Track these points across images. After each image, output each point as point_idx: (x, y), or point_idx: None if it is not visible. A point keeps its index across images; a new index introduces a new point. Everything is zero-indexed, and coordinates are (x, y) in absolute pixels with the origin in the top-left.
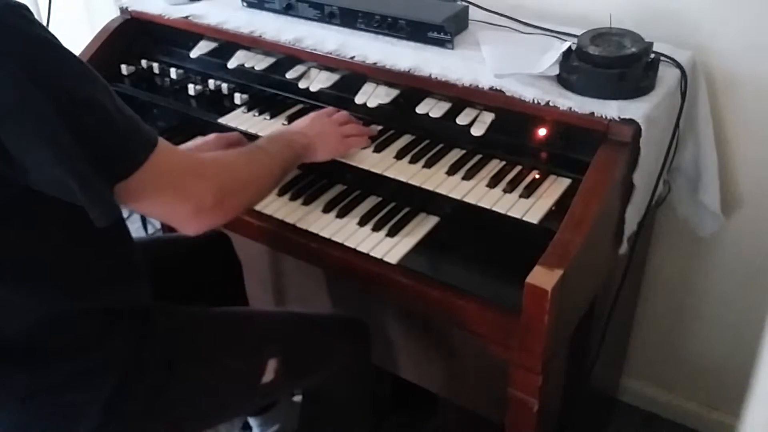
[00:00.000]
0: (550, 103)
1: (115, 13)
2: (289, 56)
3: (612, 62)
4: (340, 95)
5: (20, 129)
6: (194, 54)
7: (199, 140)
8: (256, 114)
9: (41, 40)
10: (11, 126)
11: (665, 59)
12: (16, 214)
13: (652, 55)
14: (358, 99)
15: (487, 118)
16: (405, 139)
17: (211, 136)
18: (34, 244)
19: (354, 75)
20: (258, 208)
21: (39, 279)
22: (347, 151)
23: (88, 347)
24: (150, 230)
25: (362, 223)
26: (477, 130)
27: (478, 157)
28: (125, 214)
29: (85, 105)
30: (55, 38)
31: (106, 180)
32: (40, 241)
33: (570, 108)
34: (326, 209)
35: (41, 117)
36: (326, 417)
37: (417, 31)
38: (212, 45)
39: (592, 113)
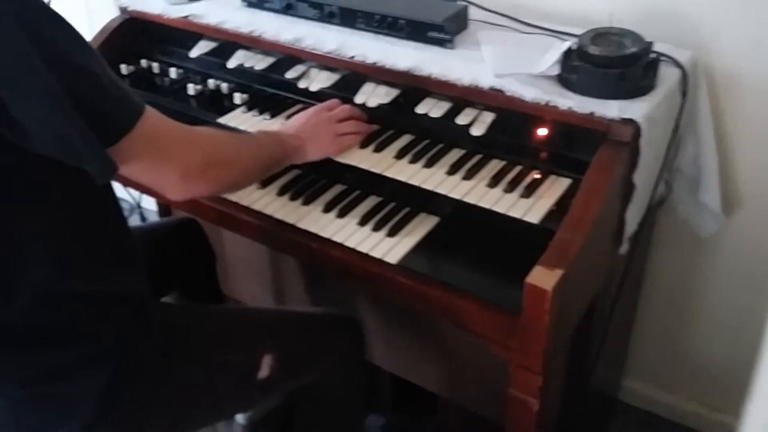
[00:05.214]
0: (550, 103)
1: (114, 13)
2: (288, 56)
3: (612, 62)
4: (340, 95)
5: (22, 90)
6: (194, 54)
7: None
8: (256, 114)
9: (41, 7)
10: (14, 86)
11: (665, 59)
12: (15, 188)
13: (653, 55)
14: (358, 99)
15: (487, 117)
16: (405, 139)
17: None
18: (33, 220)
19: (354, 75)
20: (258, 208)
21: (39, 256)
22: (340, 151)
23: (84, 335)
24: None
25: (362, 223)
26: (477, 130)
27: (478, 157)
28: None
29: (78, 71)
30: (52, 8)
31: (101, 141)
32: (39, 218)
33: (570, 108)
34: (326, 209)
35: (42, 79)
36: (320, 414)
37: (417, 31)
38: (212, 45)
39: (593, 113)
